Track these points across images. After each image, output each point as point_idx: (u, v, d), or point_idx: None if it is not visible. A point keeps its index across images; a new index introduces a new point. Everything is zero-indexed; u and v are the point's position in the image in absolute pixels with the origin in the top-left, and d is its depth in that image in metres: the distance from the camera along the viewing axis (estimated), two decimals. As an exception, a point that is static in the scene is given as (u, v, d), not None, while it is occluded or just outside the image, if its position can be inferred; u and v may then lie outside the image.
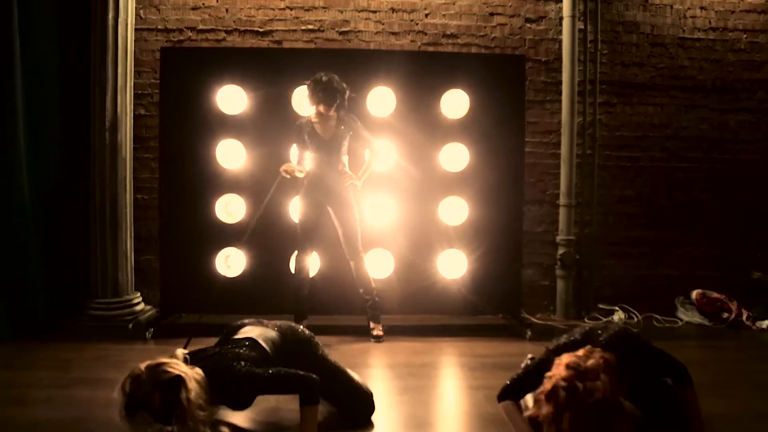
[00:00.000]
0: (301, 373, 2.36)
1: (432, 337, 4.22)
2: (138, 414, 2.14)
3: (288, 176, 4.08)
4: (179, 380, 2.14)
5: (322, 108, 4.02)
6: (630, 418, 2.04)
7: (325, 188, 4.14)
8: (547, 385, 2.07)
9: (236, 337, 2.58)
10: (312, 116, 4.12)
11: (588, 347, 2.21)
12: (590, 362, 2.09)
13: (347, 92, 4.04)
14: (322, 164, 4.13)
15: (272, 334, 2.62)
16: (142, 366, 2.18)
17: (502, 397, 2.50)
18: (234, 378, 2.29)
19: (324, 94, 3.96)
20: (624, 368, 2.16)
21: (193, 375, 2.20)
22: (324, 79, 3.96)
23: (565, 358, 2.13)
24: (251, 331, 2.60)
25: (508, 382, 2.52)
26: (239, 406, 2.46)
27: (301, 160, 4.21)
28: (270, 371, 2.35)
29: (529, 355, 3.26)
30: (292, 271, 4.28)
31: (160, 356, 2.25)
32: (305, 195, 4.17)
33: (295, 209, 4.35)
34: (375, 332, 4.12)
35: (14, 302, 4.08)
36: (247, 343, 2.49)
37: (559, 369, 2.09)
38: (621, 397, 2.07)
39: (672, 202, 5.21)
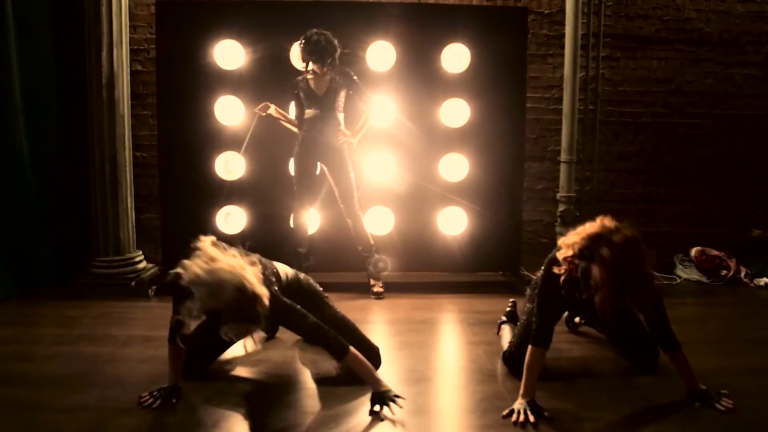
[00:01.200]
0: (327, 331, 2.48)
1: (432, 293, 4.27)
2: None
3: (263, 114, 4.11)
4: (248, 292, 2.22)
5: (314, 66, 3.98)
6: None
7: (320, 145, 4.12)
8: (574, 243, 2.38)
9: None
10: (307, 73, 4.08)
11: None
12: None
13: (338, 50, 3.99)
14: (316, 120, 4.10)
15: (291, 273, 2.80)
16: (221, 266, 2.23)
17: (537, 341, 2.48)
18: (277, 304, 2.39)
19: (315, 52, 3.92)
20: None
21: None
22: (314, 37, 3.90)
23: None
24: (276, 263, 2.77)
25: (539, 324, 2.51)
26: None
27: (298, 117, 4.18)
28: (316, 321, 2.49)
29: (511, 300, 3.33)
30: (291, 227, 4.29)
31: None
32: (300, 152, 4.16)
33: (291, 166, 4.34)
34: (375, 289, 4.17)
35: (18, 261, 4.12)
36: (271, 266, 2.65)
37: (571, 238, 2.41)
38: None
39: (673, 159, 5.18)
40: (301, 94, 4.09)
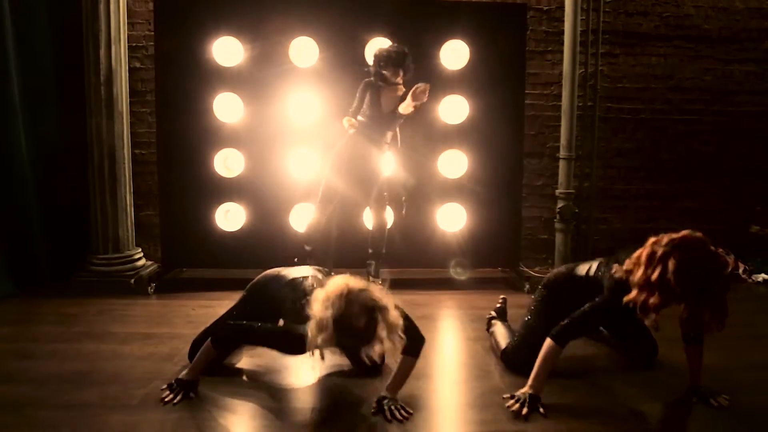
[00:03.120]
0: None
1: (431, 289, 4.28)
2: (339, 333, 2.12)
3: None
4: (383, 308, 2.17)
5: (389, 72, 3.93)
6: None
7: (360, 157, 4.05)
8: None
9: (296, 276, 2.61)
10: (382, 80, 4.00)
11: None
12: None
13: (409, 56, 3.94)
14: (368, 132, 4.02)
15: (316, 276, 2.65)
16: (350, 287, 2.16)
17: (561, 338, 2.44)
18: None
19: (389, 58, 3.88)
20: None
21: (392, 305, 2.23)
22: (389, 47, 3.93)
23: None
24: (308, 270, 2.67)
25: (571, 324, 2.46)
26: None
27: (356, 112, 4.09)
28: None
29: (501, 296, 3.33)
30: (307, 229, 4.20)
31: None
32: (339, 157, 4.06)
33: (293, 163, 4.34)
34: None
35: (16, 259, 4.11)
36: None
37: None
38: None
39: (672, 156, 5.18)
40: (368, 98, 4.01)
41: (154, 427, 2.24)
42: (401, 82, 4.01)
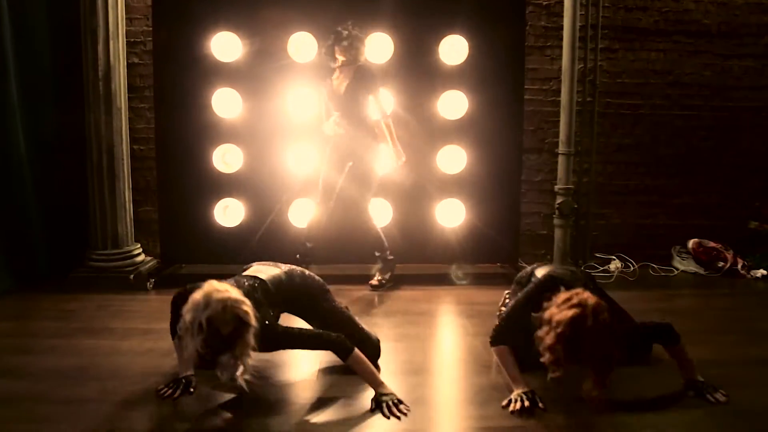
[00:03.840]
0: (328, 335, 2.44)
1: (430, 285, 4.28)
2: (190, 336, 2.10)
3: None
4: (248, 323, 2.14)
5: (338, 55, 3.97)
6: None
7: (346, 147, 4.08)
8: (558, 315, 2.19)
9: (244, 273, 2.64)
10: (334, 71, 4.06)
11: (583, 290, 2.28)
12: (593, 301, 2.21)
13: (359, 39, 3.96)
14: (342, 121, 4.05)
15: (280, 275, 2.66)
16: (225, 295, 2.14)
17: (496, 341, 2.60)
18: (271, 332, 2.32)
19: (336, 42, 3.92)
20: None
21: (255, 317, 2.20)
22: (339, 29, 3.93)
23: (569, 295, 2.25)
24: (259, 270, 2.66)
25: (500, 325, 2.64)
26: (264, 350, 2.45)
27: (327, 115, 4.14)
28: (312, 331, 2.50)
29: (506, 292, 3.34)
30: (307, 223, 4.24)
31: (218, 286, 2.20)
32: (330, 153, 4.13)
33: (291, 159, 4.34)
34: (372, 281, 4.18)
35: (15, 255, 4.11)
36: (253, 283, 2.52)
37: (565, 306, 2.21)
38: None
39: (671, 151, 5.18)
40: (326, 92, 4.06)
41: (152, 422, 2.24)
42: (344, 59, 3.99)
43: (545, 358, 2.19)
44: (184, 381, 2.46)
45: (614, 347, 2.18)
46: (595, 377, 2.22)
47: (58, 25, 4.33)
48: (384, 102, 4.11)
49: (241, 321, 2.13)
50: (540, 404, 2.36)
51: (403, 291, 4.14)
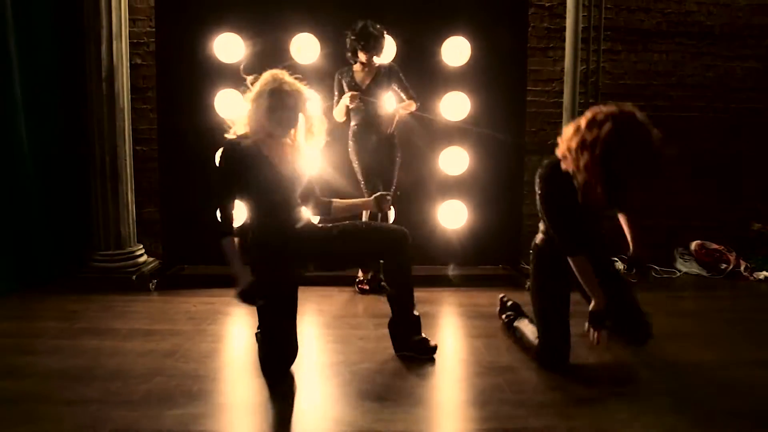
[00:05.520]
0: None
1: (432, 287, 4.28)
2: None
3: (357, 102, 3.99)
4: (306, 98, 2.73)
5: (362, 56, 3.95)
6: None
7: (369, 142, 4.08)
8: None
9: None
10: (354, 66, 4.06)
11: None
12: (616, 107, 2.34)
13: (383, 37, 3.95)
14: (363, 116, 4.05)
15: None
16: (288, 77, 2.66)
17: (573, 251, 2.58)
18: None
19: (360, 40, 3.90)
20: None
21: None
22: (360, 24, 3.91)
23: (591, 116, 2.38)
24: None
25: (563, 235, 2.61)
26: None
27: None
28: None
29: (501, 295, 3.34)
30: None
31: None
32: (354, 150, 4.13)
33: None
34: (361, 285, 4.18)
35: (19, 256, 4.12)
36: None
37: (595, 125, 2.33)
38: None
39: (674, 153, 5.17)
40: (345, 86, 4.04)
41: (155, 422, 2.25)
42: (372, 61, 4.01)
43: (580, 177, 2.29)
44: (245, 291, 2.53)
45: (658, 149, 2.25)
46: (637, 188, 2.38)
47: (62, 26, 4.35)
48: (412, 91, 4.10)
49: (302, 94, 2.61)
50: (606, 323, 2.48)
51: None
